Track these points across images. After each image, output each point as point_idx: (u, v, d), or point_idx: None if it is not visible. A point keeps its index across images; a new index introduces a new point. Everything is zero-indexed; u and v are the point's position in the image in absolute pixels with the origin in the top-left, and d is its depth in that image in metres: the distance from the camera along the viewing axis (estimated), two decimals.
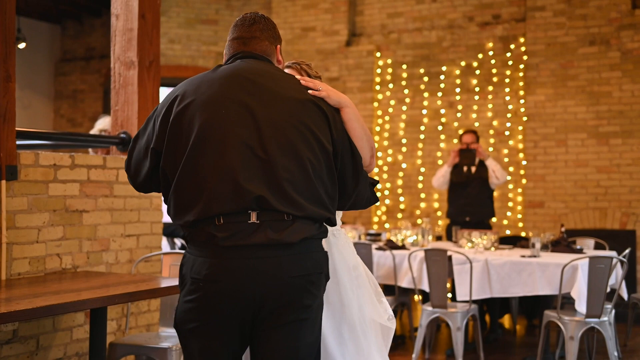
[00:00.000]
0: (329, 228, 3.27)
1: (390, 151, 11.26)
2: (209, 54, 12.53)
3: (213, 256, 2.84)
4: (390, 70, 11.22)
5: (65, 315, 4.88)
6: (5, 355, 4.51)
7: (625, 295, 7.17)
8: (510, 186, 10.54)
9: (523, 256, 6.83)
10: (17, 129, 4.66)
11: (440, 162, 10.88)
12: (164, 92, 16.31)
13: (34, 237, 4.75)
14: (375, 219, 11.26)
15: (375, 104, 11.31)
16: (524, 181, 10.40)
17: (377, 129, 11.29)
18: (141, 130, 3.12)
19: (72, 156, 5.01)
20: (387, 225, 11.16)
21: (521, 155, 10.46)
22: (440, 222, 10.39)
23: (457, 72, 10.87)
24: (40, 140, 6.09)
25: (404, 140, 11.20)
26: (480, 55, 10.74)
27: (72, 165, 5.00)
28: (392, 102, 11.26)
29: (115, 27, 5.73)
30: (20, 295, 4.02)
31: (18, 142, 4.69)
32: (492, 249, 7.39)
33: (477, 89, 10.75)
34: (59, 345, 4.88)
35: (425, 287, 6.87)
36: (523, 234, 10.06)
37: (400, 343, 7.88)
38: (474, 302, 6.82)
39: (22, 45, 11.81)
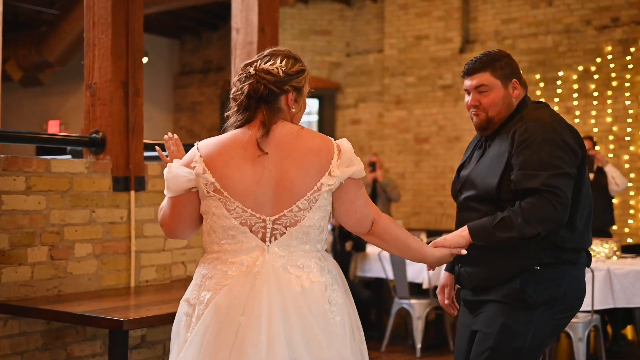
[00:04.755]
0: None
1: None
2: (323, 64, 12.66)
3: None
4: None
5: None
6: (134, 359, 4.68)
7: None
8: (632, 193, 10.25)
9: None
10: (144, 141, 4.84)
11: None
12: None
13: (161, 245, 4.92)
14: None
15: None
16: None
17: None
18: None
19: None
20: None
21: None
22: None
23: (575, 77, 10.67)
24: (165, 152, 6.28)
25: None
26: (598, 60, 10.50)
27: None
28: None
29: (236, 40, 5.86)
30: (149, 302, 4.18)
31: (144, 154, 4.87)
32: (615, 257, 7.21)
33: (595, 94, 10.53)
34: None
35: None
36: None
37: None
38: (596, 312, 6.67)
39: (144, 60, 12.21)
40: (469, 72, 3.46)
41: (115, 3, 4.64)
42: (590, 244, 3.42)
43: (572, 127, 3.33)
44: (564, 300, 3.30)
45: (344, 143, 2.90)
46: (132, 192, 4.71)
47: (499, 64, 3.41)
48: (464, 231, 3.26)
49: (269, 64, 2.87)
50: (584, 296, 3.41)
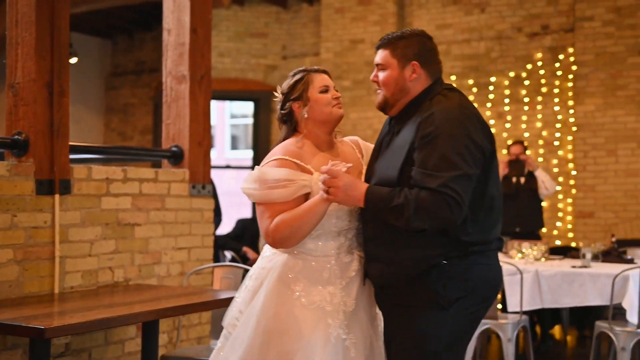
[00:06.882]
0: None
1: None
2: (259, 66, 12.59)
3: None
4: None
5: (117, 329, 4.93)
6: None
7: None
8: (560, 196, 10.43)
9: (574, 267, 6.76)
10: (70, 143, 4.72)
11: None
12: (214, 106, 16.22)
13: (87, 250, 4.81)
14: None
15: None
16: (573, 191, 10.30)
17: None
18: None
19: (125, 170, 5.06)
20: None
21: (571, 165, 10.35)
22: None
23: (506, 82, 10.80)
24: (92, 155, 6.17)
25: None
26: (529, 66, 10.65)
27: (125, 179, 5.06)
28: None
29: (167, 41, 5.77)
30: (73, 308, 4.08)
31: (71, 157, 4.75)
32: (543, 259, 7.33)
33: (526, 100, 10.66)
34: (111, 358, 4.93)
35: None
36: (573, 245, 9.91)
37: None
38: (525, 313, 6.76)
39: (73, 60, 11.98)
40: (376, 48, 3.38)
41: (40, 0, 4.51)
42: (498, 235, 3.28)
43: (482, 118, 3.20)
44: (476, 292, 3.16)
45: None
46: (57, 196, 4.57)
47: (402, 42, 3.29)
48: (362, 188, 3.14)
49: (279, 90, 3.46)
50: (498, 285, 3.29)
